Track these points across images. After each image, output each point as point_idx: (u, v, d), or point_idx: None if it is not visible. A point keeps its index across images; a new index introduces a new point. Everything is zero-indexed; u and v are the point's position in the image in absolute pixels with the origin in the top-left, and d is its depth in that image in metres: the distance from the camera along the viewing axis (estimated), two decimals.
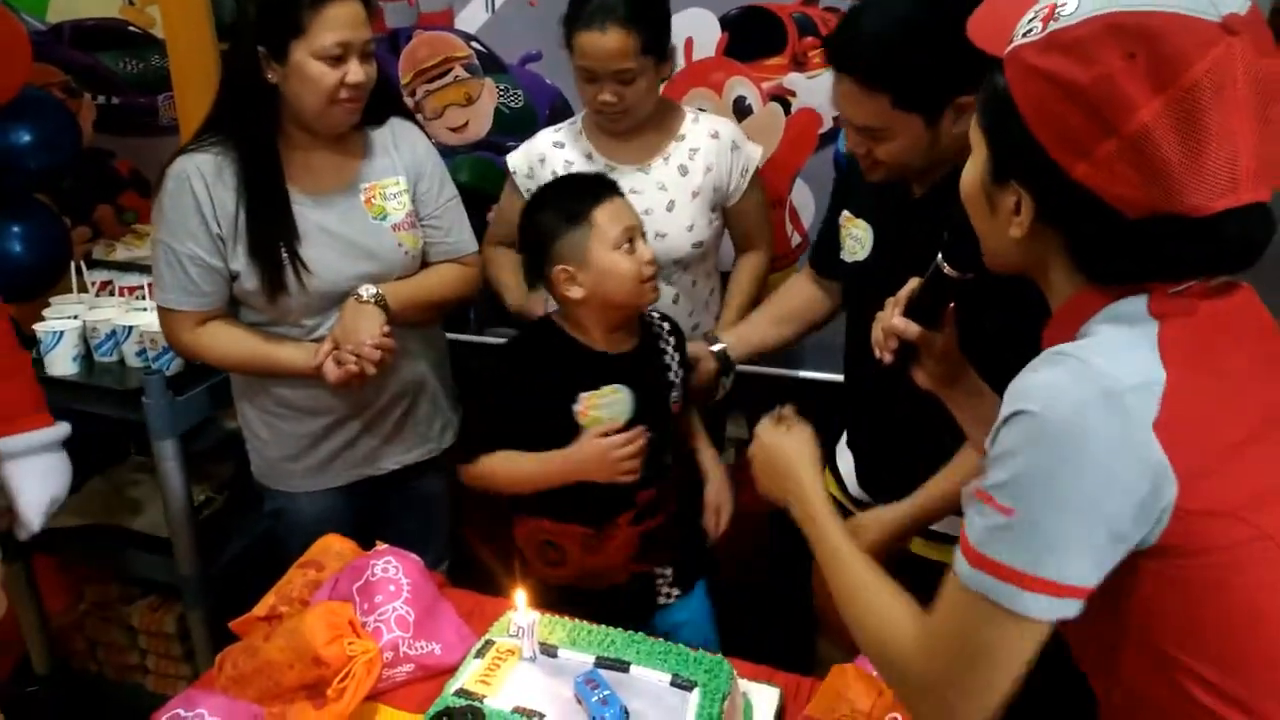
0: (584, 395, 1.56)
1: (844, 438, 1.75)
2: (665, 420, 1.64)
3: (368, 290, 1.66)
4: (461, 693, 1.23)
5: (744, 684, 1.28)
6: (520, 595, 1.28)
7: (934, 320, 1.13)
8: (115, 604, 2.20)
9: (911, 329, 1.13)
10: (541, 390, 1.56)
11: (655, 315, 1.69)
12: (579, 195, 1.55)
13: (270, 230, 1.62)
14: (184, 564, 1.96)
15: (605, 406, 1.56)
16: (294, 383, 1.71)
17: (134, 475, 2.27)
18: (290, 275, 1.63)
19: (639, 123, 1.84)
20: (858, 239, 1.55)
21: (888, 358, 1.17)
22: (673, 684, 1.22)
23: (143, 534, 2.08)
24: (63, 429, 1.70)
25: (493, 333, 2.65)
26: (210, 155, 1.62)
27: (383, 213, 1.71)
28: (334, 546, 1.55)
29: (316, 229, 1.65)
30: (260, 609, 1.45)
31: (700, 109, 2.03)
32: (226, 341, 1.68)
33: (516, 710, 1.20)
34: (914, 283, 1.15)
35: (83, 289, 2.11)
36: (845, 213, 1.58)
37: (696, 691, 1.21)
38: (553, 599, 1.48)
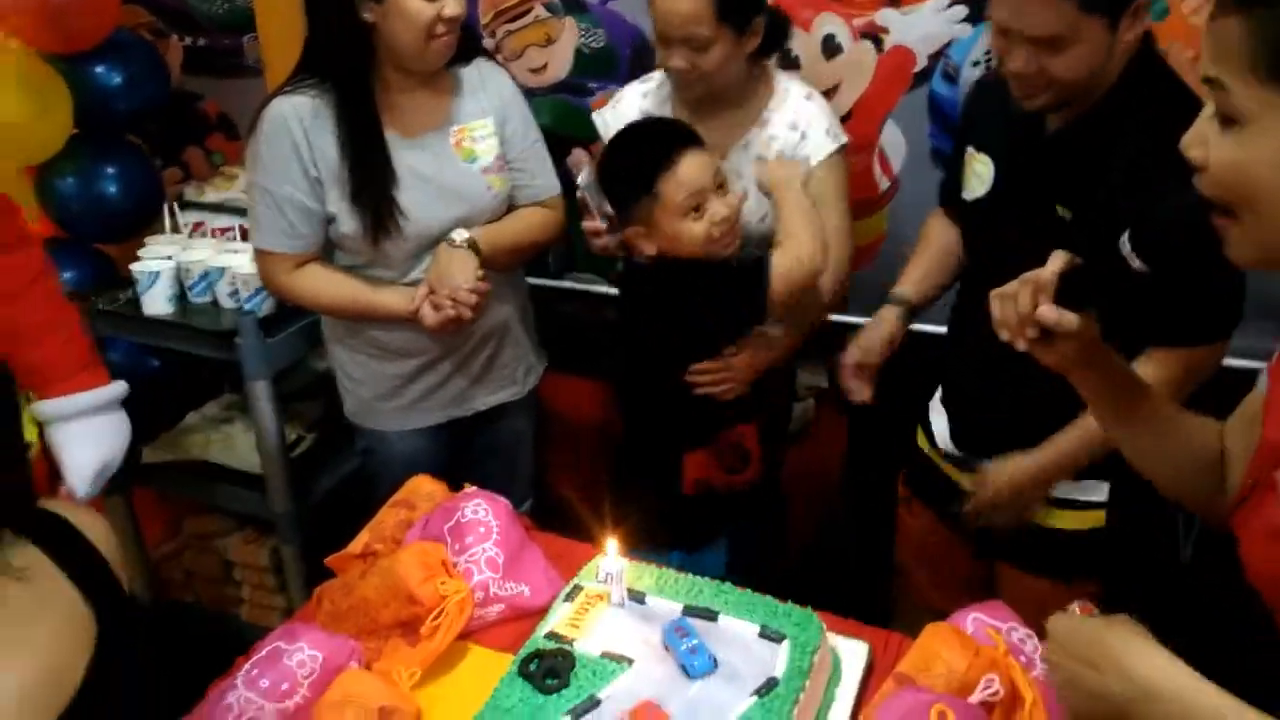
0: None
1: (938, 393, 1.72)
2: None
3: (461, 235, 1.66)
4: (552, 635, 1.25)
5: (831, 638, 1.27)
6: (612, 542, 1.29)
7: (1085, 307, 0.97)
8: (212, 537, 2.29)
9: (1067, 320, 0.95)
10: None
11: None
12: (647, 158, 1.52)
13: (371, 175, 1.64)
14: (277, 500, 2.01)
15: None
16: (388, 325, 1.74)
17: (227, 412, 2.33)
18: (387, 219, 1.64)
19: (718, 93, 1.72)
20: (979, 174, 1.48)
21: (1022, 345, 1.00)
22: (761, 635, 1.22)
23: (237, 470, 2.15)
24: (115, 388, 1.62)
25: (572, 278, 2.65)
26: (307, 98, 1.63)
27: (472, 155, 1.71)
28: (424, 487, 1.57)
29: (411, 173, 1.66)
30: (355, 546, 1.48)
31: (791, 58, 1.94)
32: (324, 285, 1.71)
33: (605, 655, 1.21)
34: (1059, 264, 0.96)
35: (176, 230, 2.15)
36: (969, 148, 1.52)
37: (786, 644, 1.20)
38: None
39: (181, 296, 2.06)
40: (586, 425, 2.47)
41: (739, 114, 1.76)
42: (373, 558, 1.42)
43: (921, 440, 1.73)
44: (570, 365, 2.35)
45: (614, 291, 2.33)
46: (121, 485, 2.21)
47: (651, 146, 1.55)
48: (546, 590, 1.41)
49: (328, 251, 1.75)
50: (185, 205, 2.27)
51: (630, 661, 1.20)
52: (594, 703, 1.14)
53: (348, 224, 1.65)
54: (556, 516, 1.82)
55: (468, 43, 1.74)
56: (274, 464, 1.97)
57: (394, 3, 1.55)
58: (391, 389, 1.81)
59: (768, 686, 1.14)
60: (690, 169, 1.51)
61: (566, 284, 2.65)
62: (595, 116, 1.91)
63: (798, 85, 1.80)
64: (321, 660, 1.22)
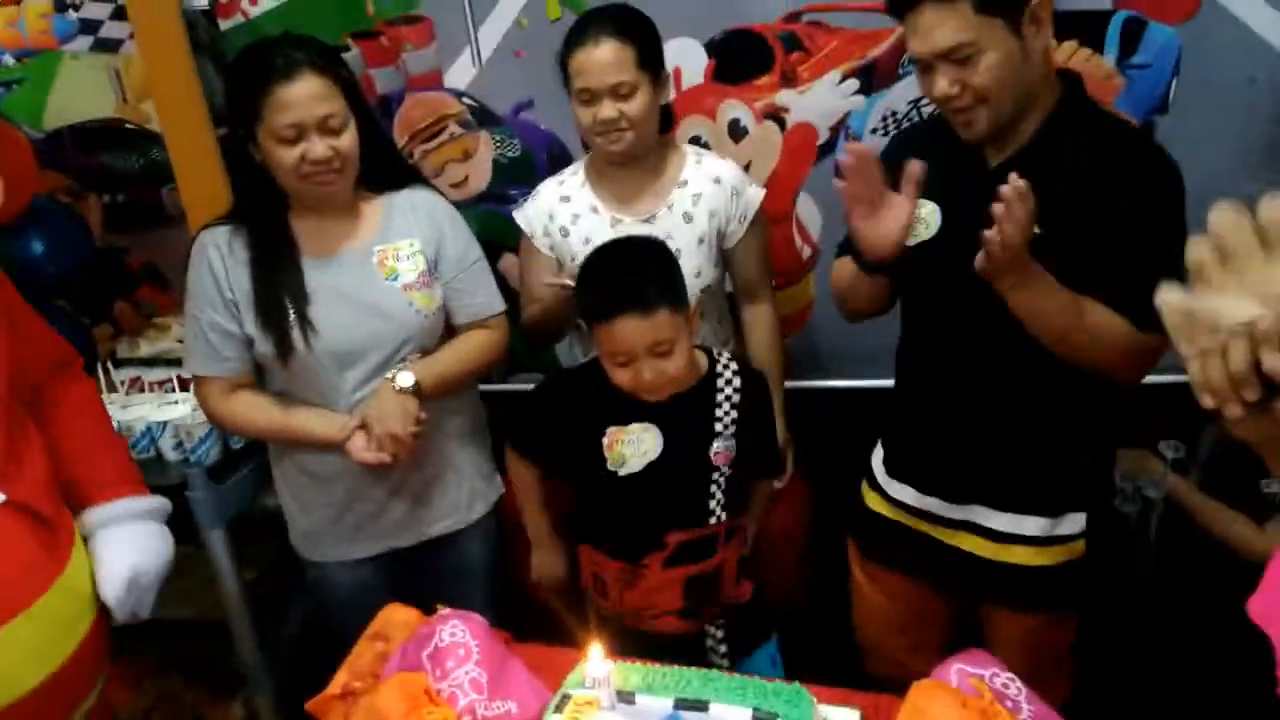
0: (611, 429, 1.59)
1: (880, 453, 1.73)
2: (703, 468, 1.61)
3: (404, 379, 1.68)
4: None
5: (823, 709, 1.28)
6: (595, 647, 1.29)
7: None
8: (180, 694, 2.21)
9: None
10: (576, 418, 1.61)
11: (725, 361, 1.65)
12: (596, 303, 1.53)
13: (276, 293, 1.66)
14: (245, 649, 1.97)
15: (630, 443, 1.59)
16: (316, 450, 1.73)
17: (182, 564, 2.27)
18: (298, 336, 1.66)
19: (640, 151, 1.81)
20: (923, 220, 1.51)
21: (1236, 411, 0.74)
22: (755, 719, 1.23)
23: (198, 622, 2.09)
24: (155, 501, 1.61)
25: (518, 379, 2.67)
26: (227, 228, 1.70)
27: (394, 273, 1.73)
28: (397, 616, 1.55)
29: (326, 289, 1.68)
30: (334, 687, 1.45)
31: (700, 144, 2.04)
32: (253, 409, 1.73)
33: None
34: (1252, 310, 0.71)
35: (112, 389, 2.13)
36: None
37: None
38: (613, 632, 1.54)
39: None
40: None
41: (658, 181, 1.87)
42: (353, 697, 1.40)
43: (875, 502, 1.74)
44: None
45: None
46: None
47: (604, 295, 1.53)
48: (534, 704, 1.40)
49: (263, 378, 1.75)
50: (119, 363, 2.25)
51: None
52: None
53: (262, 344, 1.66)
54: (537, 625, 1.81)
55: (396, 170, 1.79)
56: (238, 610, 1.93)
57: (263, 148, 1.60)
58: (327, 517, 1.79)
59: None
60: (630, 331, 1.49)
61: (513, 386, 2.66)
62: (516, 214, 1.98)
63: (704, 150, 1.96)
64: None
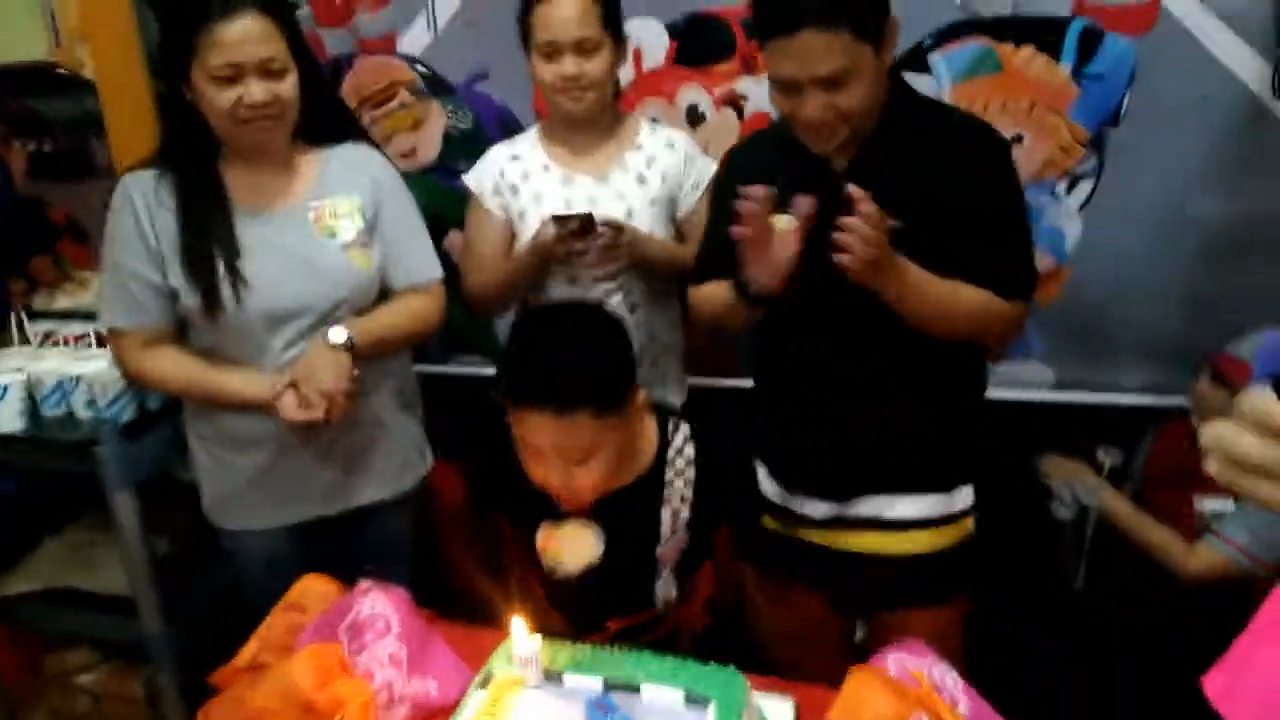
0: (545, 525, 1.45)
1: (763, 470, 1.65)
2: (649, 567, 1.48)
3: (337, 334, 1.60)
4: None
5: (757, 697, 1.23)
6: (518, 622, 1.23)
7: None
8: (76, 672, 2.09)
9: None
10: (511, 499, 1.46)
11: (681, 440, 1.46)
12: (508, 378, 1.35)
13: (206, 244, 1.57)
14: (148, 622, 1.86)
15: (565, 544, 1.44)
16: (240, 412, 1.64)
17: (91, 534, 2.16)
18: (228, 291, 1.57)
19: (596, 114, 1.80)
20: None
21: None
22: (687, 701, 1.18)
23: (102, 594, 1.98)
24: None
25: (459, 361, 2.60)
26: (152, 173, 1.60)
27: (332, 231, 1.65)
28: (315, 587, 1.47)
29: (259, 243, 1.60)
30: (242, 658, 1.37)
31: (654, 119, 2.01)
32: (172, 365, 1.63)
33: None
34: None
35: (25, 341, 2.01)
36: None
37: (712, 707, 1.16)
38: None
39: (34, 411, 1.91)
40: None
41: (612, 143, 1.86)
42: (261, 670, 1.32)
43: (771, 521, 1.65)
44: (461, 453, 2.28)
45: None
46: None
47: (518, 389, 1.34)
48: (456, 683, 1.33)
49: (186, 335, 1.66)
50: (34, 315, 2.13)
51: None
52: None
53: (187, 297, 1.57)
54: (462, 609, 1.73)
55: (337, 124, 1.71)
56: (143, 581, 1.82)
57: (196, 88, 1.51)
58: (246, 482, 1.70)
59: None
60: (531, 424, 1.32)
61: (453, 369, 2.59)
62: (465, 177, 1.93)
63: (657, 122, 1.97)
64: None
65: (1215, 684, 0.74)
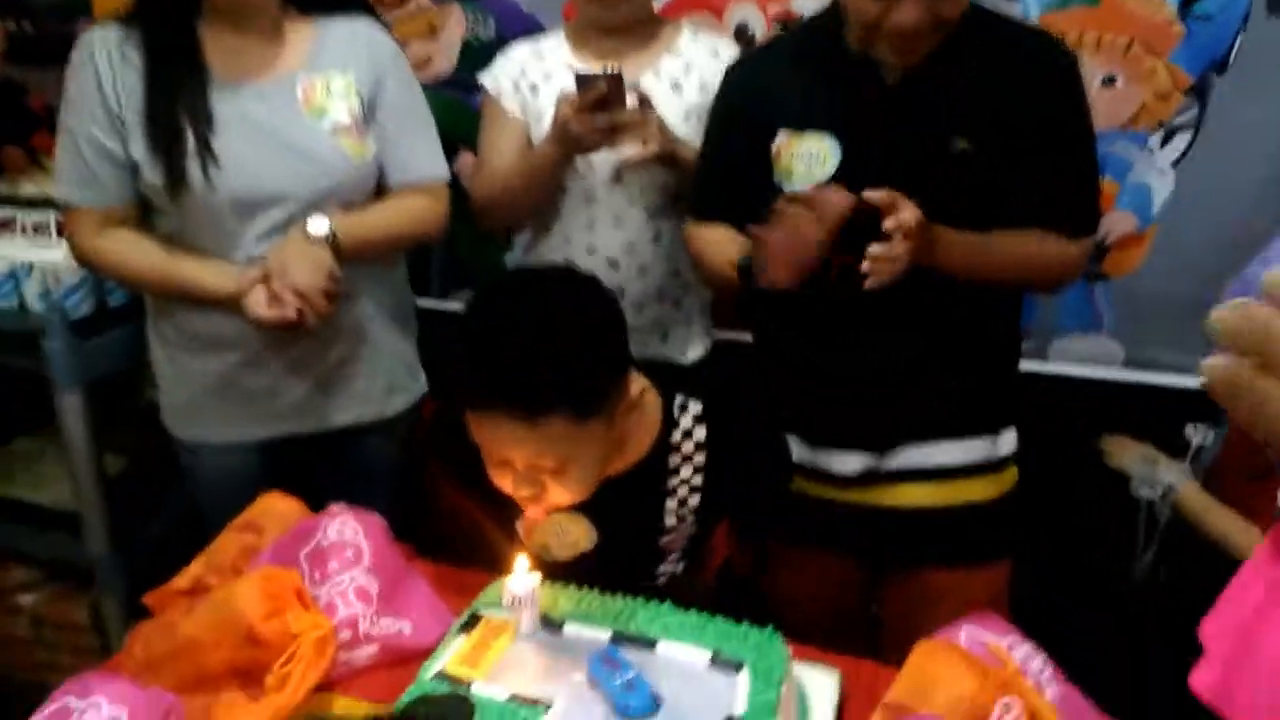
0: (529, 516, 1.17)
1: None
2: (651, 557, 1.23)
3: (318, 225, 1.38)
4: (443, 676, 0.96)
5: (797, 666, 1.02)
6: (521, 559, 1.01)
7: None
8: (15, 592, 1.88)
9: None
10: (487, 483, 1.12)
11: (688, 421, 1.16)
12: (460, 375, 1.03)
13: (172, 110, 1.35)
14: (94, 541, 1.65)
15: (553, 531, 1.21)
16: (203, 309, 1.42)
17: (43, 445, 1.95)
18: (195, 169, 1.35)
19: (633, 20, 1.59)
20: (813, 157, 1.27)
21: None
22: (714, 663, 0.96)
23: (45, 509, 1.77)
24: None
25: (459, 296, 2.38)
26: (119, 28, 1.38)
27: (321, 110, 1.42)
28: (276, 507, 1.26)
29: (236, 118, 1.37)
30: (182, 580, 1.16)
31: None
32: (131, 250, 1.40)
33: (515, 699, 0.93)
34: None
35: None
36: (783, 133, 1.29)
37: (745, 673, 0.95)
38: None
39: None
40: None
41: (644, 50, 1.63)
42: (204, 594, 1.10)
43: (800, 483, 1.43)
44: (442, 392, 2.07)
45: None
46: None
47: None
48: (434, 627, 1.12)
49: (148, 217, 1.44)
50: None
51: (547, 706, 0.92)
52: None
53: (150, 173, 1.36)
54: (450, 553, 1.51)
55: None
56: (90, 495, 1.61)
57: None
58: (208, 389, 1.48)
59: None
60: (492, 431, 1.02)
61: (454, 306, 2.37)
62: (482, 76, 1.71)
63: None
64: None
65: (1206, 679, 0.53)
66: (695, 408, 1.16)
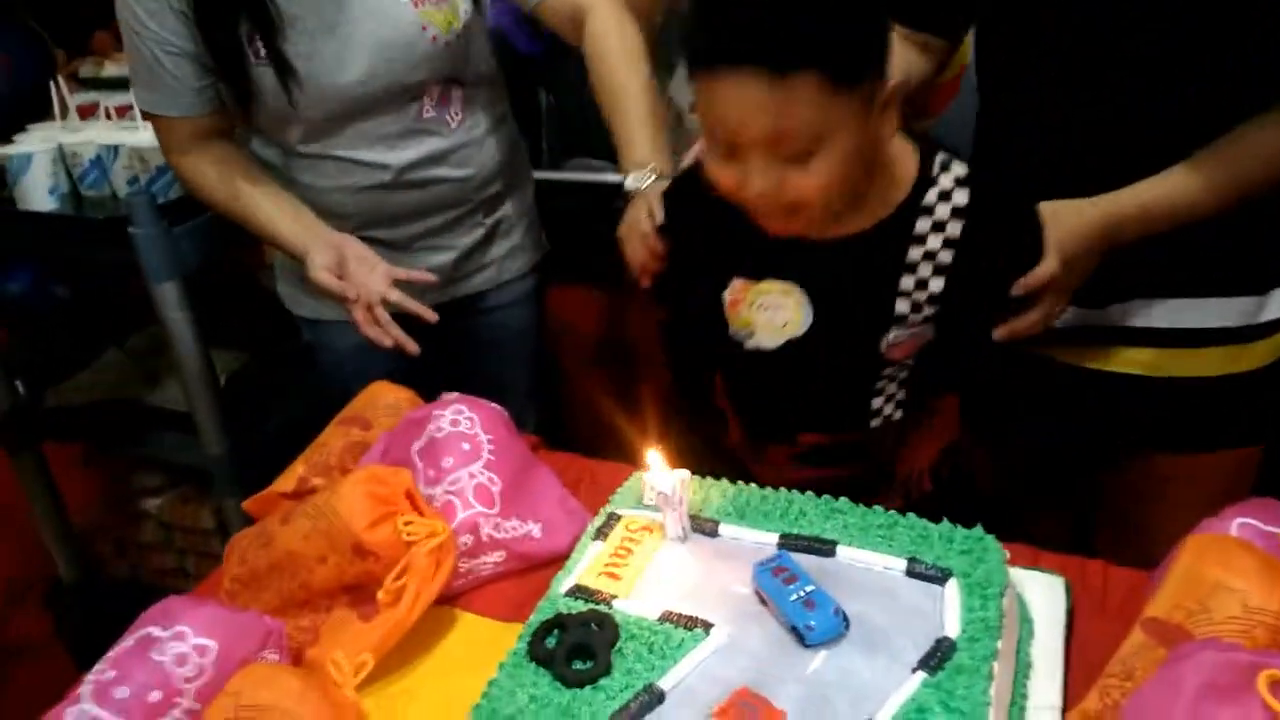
0: (737, 281, 1.01)
1: None
2: (869, 362, 1.01)
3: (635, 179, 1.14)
4: (579, 592, 0.80)
5: (1014, 572, 0.81)
6: (655, 453, 0.83)
7: None
8: (142, 496, 1.84)
9: None
10: (696, 247, 1.03)
11: (945, 193, 0.94)
12: (696, 31, 0.86)
13: (230, 18, 1.16)
14: (210, 441, 1.56)
15: (761, 307, 1.01)
16: (309, 175, 1.27)
17: (156, 343, 1.87)
18: (268, 82, 1.18)
19: None
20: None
21: None
22: (911, 573, 0.77)
23: (162, 409, 1.69)
24: None
25: (574, 165, 2.18)
26: None
27: None
28: (385, 397, 1.12)
29: (305, 14, 1.17)
30: (284, 482, 1.04)
31: None
32: (211, 174, 1.26)
33: (666, 619, 0.76)
34: None
35: (64, 112, 1.68)
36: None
37: (953, 585, 0.75)
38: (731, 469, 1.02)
39: (74, 192, 1.59)
40: (606, 344, 2.02)
41: None
42: (310, 496, 0.96)
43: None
44: (573, 274, 1.90)
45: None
46: (24, 439, 1.76)
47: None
48: (567, 527, 0.97)
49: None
50: (83, 83, 1.81)
51: (707, 627, 0.75)
52: (655, 697, 0.70)
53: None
54: (586, 446, 1.36)
55: None
56: (200, 394, 1.51)
57: None
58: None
59: (939, 655, 0.70)
60: (725, 96, 0.84)
61: (569, 175, 2.17)
62: None
63: None
64: (217, 651, 0.77)
65: None
66: (959, 169, 0.95)
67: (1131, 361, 1.09)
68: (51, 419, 1.77)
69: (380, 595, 0.84)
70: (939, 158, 0.95)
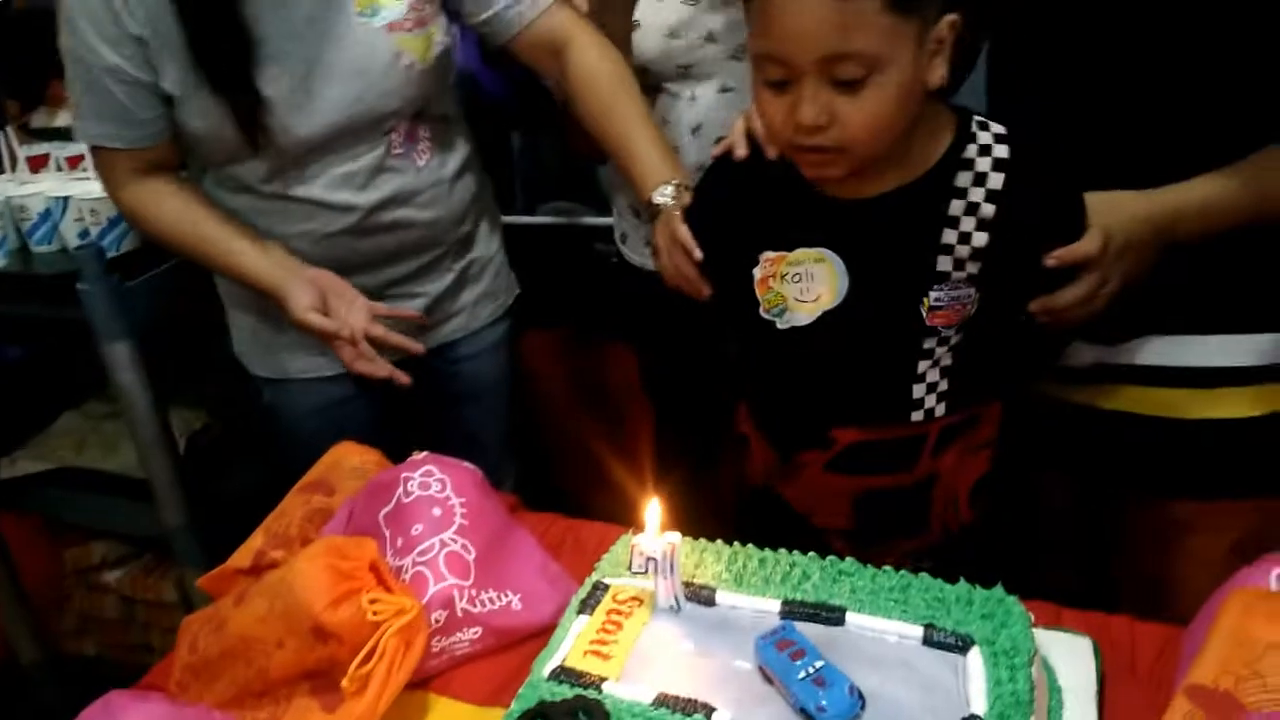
0: (768, 254, 0.96)
1: None
2: (910, 330, 0.95)
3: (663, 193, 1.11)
4: (564, 675, 0.72)
5: (1039, 634, 0.75)
6: (654, 505, 0.76)
7: None
8: (100, 569, 1.74)
9: None
10: (726, 225, 0.99)
11: (984, 148, 0.91)
12: None
13: (215, 30, 1.09)
14: (169, 512, 1.47)
15: (794, 280, 0.95)
16: (281, 224, 1.20)
17: (114, 407, 1.79)
18: (251, 118, 1.12)
19: None
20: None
21: None
22: (929, 643, 0.70)
23: (118, 477, 1.61)
24: None
25: (546, 210, 2.13)
26: None
27: (372, 7, 1.16)
28: (350, 459, 1.05)
29: (275, 37, 1.11)
30: (241, 557, 0.96)
31: None
32: (169, 207, 1.19)
33: (662, 702, 0.68)
34: None
35: (14, 164, 1.61)
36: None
37: (976, 654, 0.68)
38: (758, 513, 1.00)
39: (23, 249, 1.52)
40: (578, 391, 1.95)
41: None
42: (267, 572, 0.88)
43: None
44: (548, 319, 1.84)
45: (603, 220, 1.81)
46: None
47: None
48: (549, 597, 0.90)
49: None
50: (35, 134, 1.74)
51: (709, 711, 0.67)
52: None
53: (196, 115, 1.13)
54: (559, 499, 1.28)
55: None
56: (157, 460, 1.42)
57: None
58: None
59: None
60: (782, 8, 0.82)
61: (543, 220, 2.12)
62: None
63: None
64: None
65: None
66: (998, 127, 0.92)
67: (1147, 401, 1.04)
68: (4, 489, 1.67)
69: (344, 683, 0.76)
70: (976, 118, 0.93)
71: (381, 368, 1.19)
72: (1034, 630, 0.73)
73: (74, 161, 1.62)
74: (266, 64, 1.11)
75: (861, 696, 0.66)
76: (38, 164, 1.65)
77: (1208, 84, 0.92)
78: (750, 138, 0.98)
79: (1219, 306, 1.00)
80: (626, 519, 0.82)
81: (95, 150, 1.20)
